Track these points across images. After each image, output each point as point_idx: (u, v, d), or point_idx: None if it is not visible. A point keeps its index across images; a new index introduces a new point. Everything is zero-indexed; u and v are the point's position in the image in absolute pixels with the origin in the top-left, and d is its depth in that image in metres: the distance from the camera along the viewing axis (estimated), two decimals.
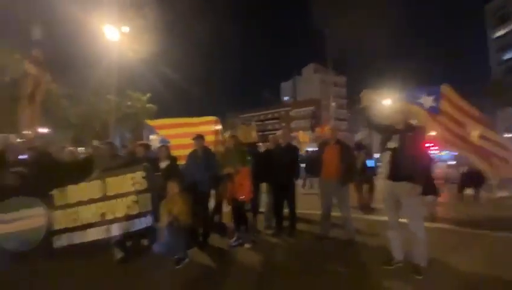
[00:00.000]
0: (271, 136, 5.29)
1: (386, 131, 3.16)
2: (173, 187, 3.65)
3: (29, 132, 6.52)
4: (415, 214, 2.96)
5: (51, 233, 3.50)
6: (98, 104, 25.01)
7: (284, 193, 4.44)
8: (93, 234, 3.55)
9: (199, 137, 4.35)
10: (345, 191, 4.05)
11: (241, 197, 3.95)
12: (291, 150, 4.57)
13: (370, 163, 7.35)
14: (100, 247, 3.63)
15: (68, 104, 22.52)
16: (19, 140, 6.89)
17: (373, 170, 7.48)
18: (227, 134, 5.14)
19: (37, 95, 7.33)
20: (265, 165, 4.53)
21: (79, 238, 3.53)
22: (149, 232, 3.74)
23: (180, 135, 5.17)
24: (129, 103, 24.77)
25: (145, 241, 4.04)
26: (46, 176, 3.86)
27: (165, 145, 4.37)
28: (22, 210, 3.52)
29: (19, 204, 3.51)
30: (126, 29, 16.11)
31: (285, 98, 64.09)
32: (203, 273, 3.26)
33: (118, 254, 3.64)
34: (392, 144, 3.01)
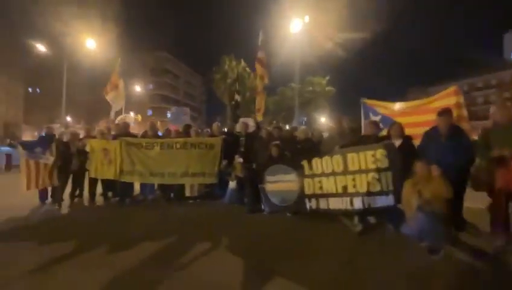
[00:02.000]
0: None
1: None
2: (422, 167, 3.27)
3: (257, 116, 8.57)
4: None
5: (303, 196, 4.26)
6: (284, 92, 29.17)
7: None
8: (336, 203, 3.95)
9: (445, 112, 3.61)
10: None
11: None
12: None
13: None
14: (342, 216, 4.03)
15: (267, 94, 28.13)
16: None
17: None
18: None
19: (260, 88, 9.40)
20: None
21: (324, 204, 4.07)
22: (389, 212, 3.66)
23: (409, 113, 4.64)
24: (310, 88, 26.97)
25: (373, 219, 4.06)
26: (294, 150, 4.75)
27: (397, 123, 4.04)
28: (281, 175, 4.53)
29: (279, 170, 4.56)
30: (307, 18, 17.07)
31: None
32: (467, 274, 2.72)
33: (358, 226, 3.86)
34: None
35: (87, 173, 5.65)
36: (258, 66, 8.47)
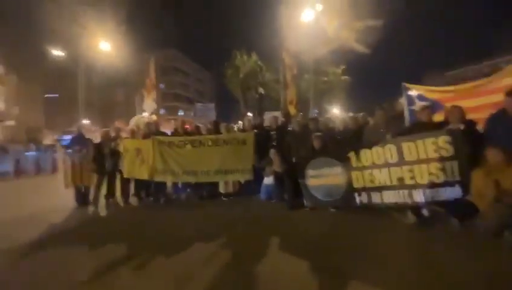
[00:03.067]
0: None
1: None
2: (497, 154, 2.94)
3: (290, 108, 8.27)
4: None
5: (352, 190, 3.99)
6: (298, 84, 28.53)
7: None
8: (391, 197, 3.67)
9: None
10: None
11: None
12: None
13: None
14: (397, 209, 3.76)
15: (278, 87, 27.63)
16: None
17: None
18: None
19: (290, 80, 9.07)
20: None
21: (377, 198, 3.79)
22: (455, 204, 3.33)
23: (462, 96, 4.25)
24: (325, 79, 26.22)
25: (426, 212, 3.72)
26: (334, 141, 4.47)
27: (457, 106, 3.67)
28: (325, 168, 4.28)
29: (323, 163, 4.30)
30: (320, 7, 16.39)
31: None
32: None
33: (411, 219, 3.58)
34: None
35: (117, 174, 5.59)
36: (286, 57, 8.17)
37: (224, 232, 3.67)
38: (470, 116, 3.82)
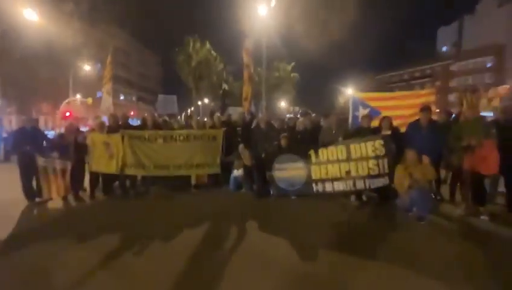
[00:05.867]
0: None
1: None
2: (412, 154, 4.12)
3: (247, 105, 8.83)
4: None
5: (310, 181, 4.88)
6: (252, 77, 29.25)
7: None
8: (340, 186, 4.68)
9: (425, 109, 4.51)
10: None
11: (486, 172, 3.92)
12: None
13: None
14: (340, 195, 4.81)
15: (232, 79, 27.93)
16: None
17: None
18: None
19: (246, 78, 9.56)
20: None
21: (329, 187, 4.76)
22: (384, 190, 4.50)
23: (395, 107, 5.54)
24: (277, 74, 27.55)
25: (365, 197, 4.91)
26: (295, 140, 5.30)
27: (388, 117, 4.85)
28: (290, 163, 5.07)
29: (288, 159, 5.08)
30: (273, 2, 17.27)
31: (444, 49, 50.32)
32: (443, 233, 3.66)
33: (355, 202, 4.70)
34: None
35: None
36: (244, 55, 8.59)
37: (208, 220, 4.09)
38: (397, 122, 5.09)
